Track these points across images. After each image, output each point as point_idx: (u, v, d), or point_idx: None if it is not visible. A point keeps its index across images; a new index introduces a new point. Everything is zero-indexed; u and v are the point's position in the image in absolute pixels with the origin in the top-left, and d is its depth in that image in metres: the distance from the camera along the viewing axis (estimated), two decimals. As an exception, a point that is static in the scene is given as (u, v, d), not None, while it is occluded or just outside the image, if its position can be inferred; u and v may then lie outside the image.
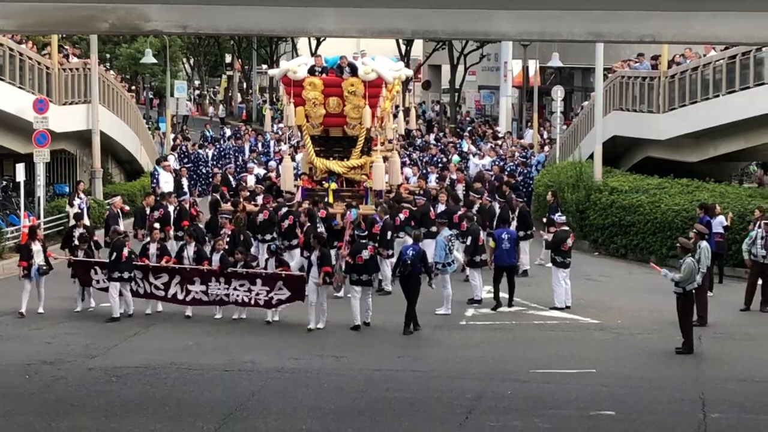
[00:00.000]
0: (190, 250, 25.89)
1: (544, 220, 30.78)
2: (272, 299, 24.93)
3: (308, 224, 28.27)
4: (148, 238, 26.85)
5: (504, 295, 26.68)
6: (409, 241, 27.06)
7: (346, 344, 23.33)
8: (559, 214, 29.05)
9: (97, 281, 25.78)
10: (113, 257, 25.34)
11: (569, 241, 26.64)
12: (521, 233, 29.03)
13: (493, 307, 26.61)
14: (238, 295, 25.13)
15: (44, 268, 25.71)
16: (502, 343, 23.65)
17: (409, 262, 24.47)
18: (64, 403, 19.20)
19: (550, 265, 27.73)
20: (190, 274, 25.40)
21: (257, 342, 23.46)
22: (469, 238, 27.09)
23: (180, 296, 25.42)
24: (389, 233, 28.21)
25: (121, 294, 25.41)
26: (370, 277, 24.89)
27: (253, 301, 25.07)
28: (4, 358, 21.97)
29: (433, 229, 30.26)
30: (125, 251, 25.37)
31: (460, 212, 29.74)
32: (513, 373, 21.11)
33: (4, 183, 37.11)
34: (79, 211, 31.26)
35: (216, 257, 25.48)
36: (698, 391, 19.99)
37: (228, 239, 26.86)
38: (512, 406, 18.92)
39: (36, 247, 25.83)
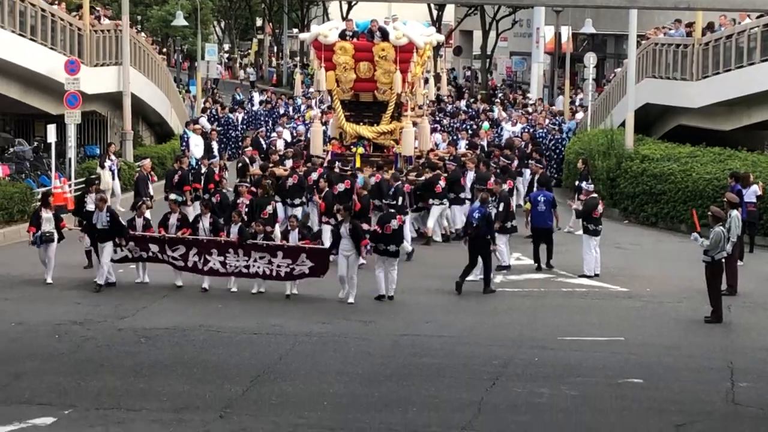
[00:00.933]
0: (206, 222, 24.93)
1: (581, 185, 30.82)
2: (293, 271, 24.08)
3: (326, 189, 27.99)
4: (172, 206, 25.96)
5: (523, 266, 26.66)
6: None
7: (373, 309, 23.34)
8: (588, 181, 28.89)
9: (115, 252, 24.88)
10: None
11: (600, 208, 26.54)
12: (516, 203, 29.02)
13: (536, 268, 27.15)
14: (258, 267, 24.20)
15: (47, 235, 24.84)
16: (530, 311, 23.62)
17: (475, 224, 24.78)
18: (93, 363, 19.30)
19: (580, 232, 27.66)
20: (207, 246, 24.53)
21: (285, 306, 23.49)
22: (501, 204, 26.96)
23: (199, 265, 24.53)
24: (400, 199, 28.06)
25: (131, 260, 24.99)
26: (397, 248, 24.27)
27: (274, 273, 24.17)
28: (34, 319, 22.08)
29: (462, 195, 30.34)
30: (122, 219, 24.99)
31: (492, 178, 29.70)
32: (541, 340, 21.08)
33: (36, 144, 37.22)
34: (94, 177, 30.40)
35: (234, 229, 24.55)
36: (727, 360, 19.92)
37: (246, 209, 26.34)
38: (539, 374, 18.90)
39: (46, 214, 25.05)
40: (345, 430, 15.94)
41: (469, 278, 25.46)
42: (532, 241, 27.64)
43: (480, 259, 24.96)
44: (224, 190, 29.11)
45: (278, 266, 24.07)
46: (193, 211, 29.68)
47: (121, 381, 18.19)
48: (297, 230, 24.52)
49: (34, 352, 19.87)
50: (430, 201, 30.06)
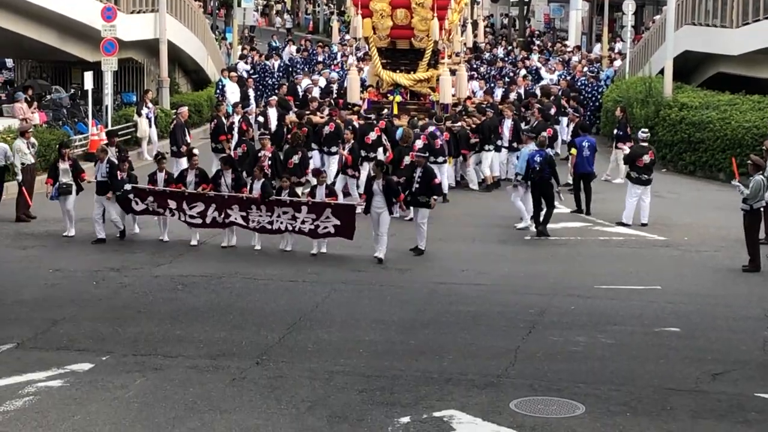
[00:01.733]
0: (228, 178, 23.98)
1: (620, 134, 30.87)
2: (318, 228, 23.19)
3: (352, 141, 27.40)
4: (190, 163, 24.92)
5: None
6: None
7: (409, 257, 23.34)
8: (644, 129, 28.44)
9: (136, 203, 24.33)
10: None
11: (645, 158, 26.22)
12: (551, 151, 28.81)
13: (572, 210, 27.30)
14: (281, 223, 23.41)
15: (64, 186, 24.54)
16: (567, 259, 23.57)
17: (538, 168, 24.98)
18: (130, 309, 19.41)
19: (618, 180, 27.61)
20: (228, 202, 23.68)
21: (321, 254, 23.49)
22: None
23: (219, 220, 23.75)
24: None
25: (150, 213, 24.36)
26: (427, 199, 23.73)
27: (297, 229, 23.37)
28: (72, 265, 22.20)
29: (499, 142, 30.27)
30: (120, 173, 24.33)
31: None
32: (577, 288, 21.03)
33: (72, 91, 37.32)
34: (114, 129, 29.84)
35: (257, 185, 23.75)
36: (764, 309, 19.82)
37: (270, 162, 25.56)
38: (575, 322, 18.87)
39: (63, 165, 24.70)
40: (381, 378, 15.97)
41: (518, 225, 25.44)
42: (573, 187, 27.61)
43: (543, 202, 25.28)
44: (251, 141, 28.87)
45: (302, 222, 23.27)
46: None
47: (158, 327, 18.28)
48: (324, 185, 23.72)
49: (72, 299, 20.00)
50: (486, 147, 30.05)
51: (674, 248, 24.51)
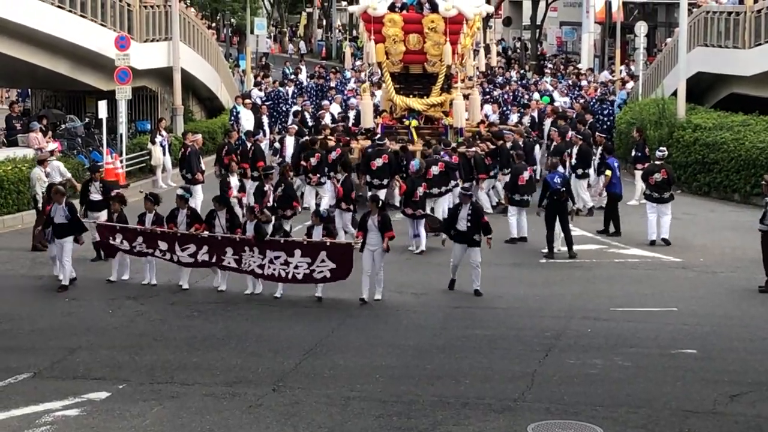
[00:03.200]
0: (222, 219, 22.69)
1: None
2: (313, 273, 21.59)
3: (344, 174, 26.72)
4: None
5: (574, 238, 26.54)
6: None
7: (425, 282, 23.32)
8: (661, 148, 28.80)
9: (122, 243, 23.09)
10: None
11: (657, 176, 26.68)
12: (579, 171, 28.83)
13: (599, 231, 27.65)
14: (274, 269, 21.83)
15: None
16: (582, 281, 23.53)
17: (560, 189, 25.31)
18: (146, 337, 19.42)
19: (634, 201, 27.87)
20: (221, 244, 22.30)
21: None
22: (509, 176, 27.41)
23: (211, 261, 22.46)
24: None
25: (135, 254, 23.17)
26: (481, 238, 23.46)
27: (290, 276, 21.70)
28: (88, 293, 22.22)
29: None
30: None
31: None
32: (593, 311, 21.00)
33: (87, 120, 37.43)
34: (99, 164, 28.89)
35: (250, 226, 22.29)
36: (782, 331, 19.77)
37: (279, 193, 24.98)
38: (592, 344, 18.82)
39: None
40: (398, 403, 15.94)
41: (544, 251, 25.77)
42: (606, 208, 27.82)
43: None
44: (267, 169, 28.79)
45: (296, 267, 21.66)
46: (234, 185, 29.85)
47: (174, 355, 18.29)
48: (321, 227, 22.01)
49: (88, 327, 20.02)
50: (504, 171, 30.16)
51: (690, 270, 24.46)
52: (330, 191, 29.09)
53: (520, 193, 27.05)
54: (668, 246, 26.48)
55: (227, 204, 23.45)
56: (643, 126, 35.84)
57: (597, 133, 32.53)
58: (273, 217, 23.32)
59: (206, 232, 22.55)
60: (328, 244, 21.59)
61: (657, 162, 27.10)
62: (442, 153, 28.65)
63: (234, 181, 27.14)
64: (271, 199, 24.87)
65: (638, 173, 30.78)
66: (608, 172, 27.83)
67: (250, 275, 22.25)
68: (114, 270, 23.40)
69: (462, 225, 22.25)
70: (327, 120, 37.83)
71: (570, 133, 32.50)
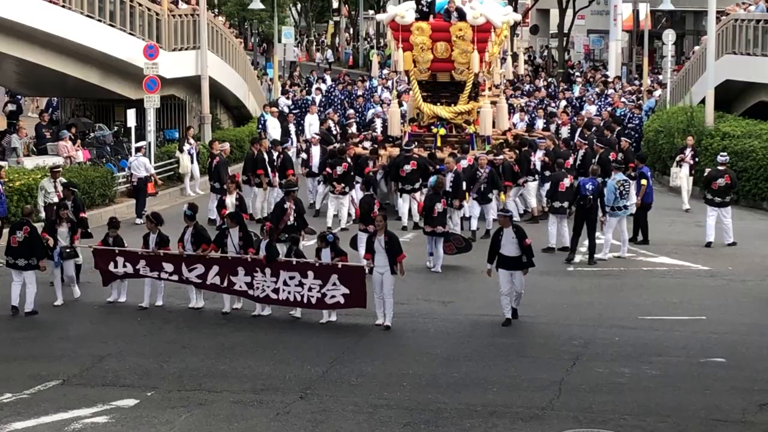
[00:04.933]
0: (235, 237, 21.57)
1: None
2: (325, 297, 20.71)
3: (365, 192, 25.89)
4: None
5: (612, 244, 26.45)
6: None
7: (452, 290, 23.31)
8: (722, 153, 29.19)
9: (125, 266, 22.14)
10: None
11: (720, 181, 27.33)
12: (600, 180, 28.66)
13: (639, 242, 27.52)
14: (289, 292, 20.93)
15: (68, 251, 22.37)
16: (610, 290, 23.48)
17: (590, 196, 25.37)
18: (175, 344, 19.49)
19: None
20: (232, 264, 21.35)
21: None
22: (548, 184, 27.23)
23: (221, 286, 21.49)
24: (463, 184, 27.54)
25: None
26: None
27: (305, 299, 20.87)
28: (134, 290, 22.25)
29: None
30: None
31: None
32: (621, 319, 20.95)
33: (116, 128, 37.56)
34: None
35: (263, 245, 21.33)
36: (811, 339, 19.68)
37: (294, 214, 23.38)
38: (620, 353, 18.78)
39: (62, 228, 22.43)
40: (425, 411, 15.94)
41: (597, 255, 25.80)
42: (638, 217, 27.72)
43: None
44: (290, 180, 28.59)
45: (309, 289, 20.76)
46: (262, 197, 29.88)
47: (203, 362, 18.34)
48: (329, 249, 21.00)
49: (117, 334, 20.10)
50: (526, 178, 30.06)
51: (719, 278, 24.37)
52: (349, 201, 29.20)
53: (560, 200, 26.91)
54: (696, 254, 26.37)
55: (240, 221, 22.10)
56: (671, 134, 35.77)
57: (623, 138, 32.33)
58: (301, 237, 22.57)
59: (215, 253, 21.54)
60: (339, 266, 20.75)
61: (720, 167, 27.61)
62: (465, 162, 28.77)
63: (230, 200, 25.22)
64: (291, 218, 23.36)
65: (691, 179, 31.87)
66: (644, 182, 27.69)
67: (263, 302, 21.27)
68: (114, 290, 22.42)
69: (507, 250, 20.76)
70: (354, 129, 37.84)
71: (577, 138, 32.49)
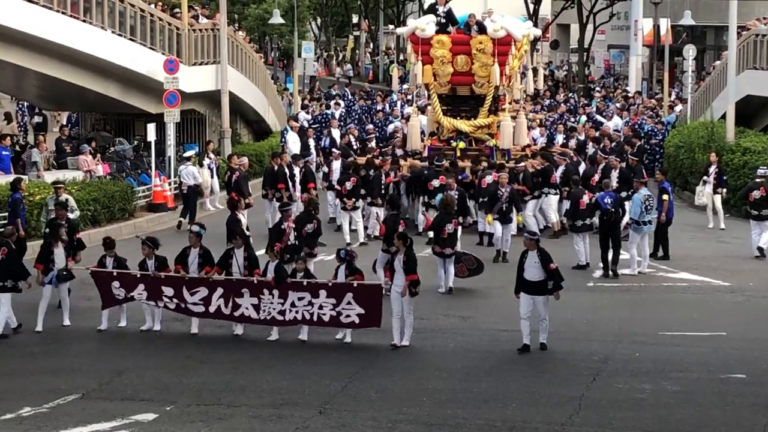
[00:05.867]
0: (240, 257, 20.87)
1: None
2: (340, 315, 20.15)
3: (390, 212, 25.49)
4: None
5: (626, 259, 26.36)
6: None
7: (472, 305, 23.26)
8: (762, 165, 29.55)
9: (119, 295, 21.29)
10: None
11: (755, 193, 27.76)
12: (623, 194, 28.46)
13: (660, 257, 27.35)
14: (297, 311, 20.30)
15: (65, 273, 21.63)
16: (631, 305, 23.41)
17: (612, 209, 25.47)
18: (193, 359, 19.48)
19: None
20: (236, 287, 20.64)
21: (383, 302, 23.41)
22: (569, 202, 26.92)
23: (225, 310, 20.69)
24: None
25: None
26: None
27: (316, 317, 20.23)
28: (135, 315, 22.25)
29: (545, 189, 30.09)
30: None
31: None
32: (641, 335, 20.86)
33: (136, 143, 37.66)
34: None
35: (271, 267, 20.63)
36: (833, 356, 19.56)
37: (309, 230, 23.39)
38: (640, 369, 18.70)
39: (57, 249, 21.66)
40: (444, 426, 15.90)
41: (624, 271, 25.76)
42: (659, 233, 27.56)
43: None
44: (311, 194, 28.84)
45: (321, 307, 20.17)
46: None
47: (221, 377, 18.33)
48: (344, 266, 20.63)
49: (136, 349, 20.10)
50: (545, 190, 29.94)
51: (739, 294, 24.26)
52: (364, 217, 29.31)
53: (582, 218, 26.78)
54: (717, 270, 26.27)
55: (246, 241, 21.49)
56: (692, 149, 35.65)
57: (612, 157, 31.83)
58: (302, 259, 21.50)
59: (218, 275, 20.73)
60: (355, 285, 20.19)
61: (758, 179, 27.98)
62: (489, 177, 28.64)
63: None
64: (291, 237, 22.90)
65: (717, 197, 31.74)
66: (665, 197, 27.56)
67: (269, 324, 20.63)
68: (104, 318, 21.45)
69: (530, 274, 20.19)
70: (373, 144, 37.82)
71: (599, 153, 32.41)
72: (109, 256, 21.55)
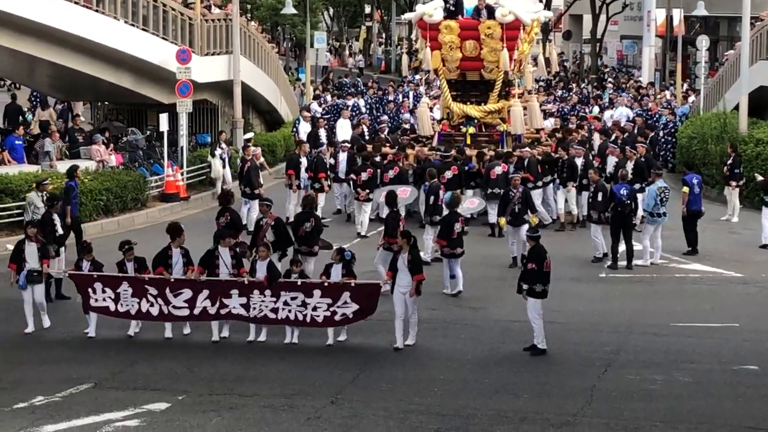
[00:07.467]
0: (227, 255, 20.16)
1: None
2: (335, 315, 19.62)
3: (391, 209, 24.13)
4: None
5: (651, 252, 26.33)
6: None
7: (483, 296, 23.26)
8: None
9: (104, 291, 20.31)
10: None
11: None
12: (637, 185, 28.30)
13: (686, 253, 26.95)
14: (290, 311, 19.69)
15: (35, 275, 20.75)
16: (642, 296, 23.38)
17: (627, 201, 25.41)
18: (205, 349, 19.53)
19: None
20: (225, 287, 19.93)
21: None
22: (600, 194, 26.55)
23: (211, 311, 19.92)
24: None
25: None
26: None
27: (308, 319, 19.61)
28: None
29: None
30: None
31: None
32: (653, 326, 20.84)
33: (148, 133, 37.70)
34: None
35: (261, 266, 19.93)
36: None
37: (308, 228, 22.46)
38: (652, 360, 18.70)
39: (30, 248, 20.84)
40: (456, 417, 15.91)
41: (637, 262, 25.63)
42: (686, 226, 27.30)
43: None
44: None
45: (314, 308, 19.63)
46: (295, 200, 29.70)
47: (233, 367, 18.37)
48: (341, 266, 19.99)
49: (148, 339, 20.15)
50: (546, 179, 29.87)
51: (751, 285, 24.23)
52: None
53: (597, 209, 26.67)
54: (729, 261, 26.23)
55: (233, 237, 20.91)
56: (705, 140, 35.56)
57: (628, 148, 31.60)
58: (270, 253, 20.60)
59: (203, 277, 19.96)
60: (352, 285, 19.70)
61: None
62: (498, 167, 28.60)
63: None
64: (268, 234, 21.91)
65: (734, 191, 31.35)
66: (685, 189, 27.40)
67: (260, 323, 19.99)
68: (92, 321, 20.52)
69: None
70: (384, 134, 37.76)
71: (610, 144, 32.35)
72: (86, 260, 20.76)
